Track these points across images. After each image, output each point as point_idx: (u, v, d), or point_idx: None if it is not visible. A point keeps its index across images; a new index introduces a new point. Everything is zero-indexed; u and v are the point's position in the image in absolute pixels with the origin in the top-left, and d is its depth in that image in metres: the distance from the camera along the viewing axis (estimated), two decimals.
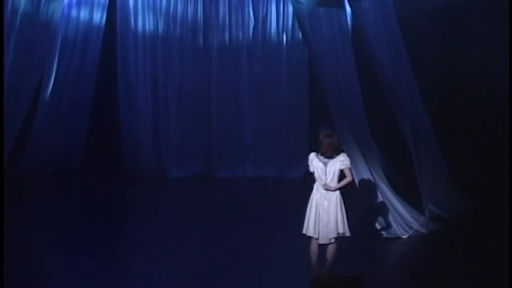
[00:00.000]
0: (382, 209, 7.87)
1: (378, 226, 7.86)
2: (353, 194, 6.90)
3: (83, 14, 11.85)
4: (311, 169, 5.93)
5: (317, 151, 5.90)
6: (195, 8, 12.58)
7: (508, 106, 8.80)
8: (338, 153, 5.86)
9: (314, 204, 5.86)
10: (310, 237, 5.96)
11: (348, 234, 5.91)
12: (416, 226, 8.05)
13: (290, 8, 12.12)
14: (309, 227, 5.86)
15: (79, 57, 11.92)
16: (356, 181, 7.81)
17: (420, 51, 10.37)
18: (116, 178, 11.58)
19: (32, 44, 9.92)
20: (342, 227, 5.84)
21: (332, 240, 5.88)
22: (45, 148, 11.61)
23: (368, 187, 7.86)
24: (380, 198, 7.92)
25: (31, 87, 10.30)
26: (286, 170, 12.43)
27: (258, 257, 7.12)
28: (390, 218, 7.88)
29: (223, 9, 12.61)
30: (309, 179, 6.06)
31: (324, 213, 5.80)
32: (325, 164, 5.83)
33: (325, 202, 5.80)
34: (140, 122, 12.37)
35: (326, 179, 5.81)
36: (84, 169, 11.86)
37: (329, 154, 5.81)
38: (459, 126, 10.40)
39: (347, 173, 5.87)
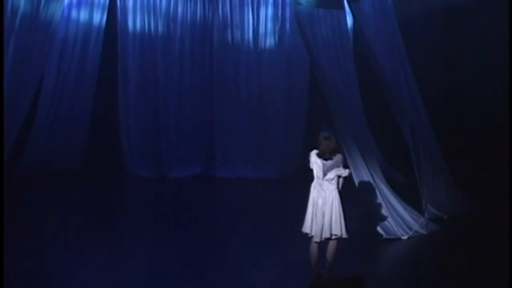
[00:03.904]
0: (382, 210, 7.88)
1: (378, 227, 7.86)
2: (352, 195, 6.92)
3: (83, 14, 11.85)
4: (311, 166, 6.02)
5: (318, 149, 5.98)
6: (195, 9, 12.58)
7: (508, 107, 8.81)
8: (335, 154, 5.91)
9: (311, 201, 5.97)
10: (309, 238, 6.00)
11: (344, 236, 5.94)
12: (416, 227, 8.06)
13: (290, 9, 12.13)
14: (306, 224, 5.96)
15: (79, 57, 11.92)
16: (356, 182, 7.83)
17: (420, 52, 10.38)
18: (117, 178, 11.58)
19: (32, 45, 9.92)
20: (336, 229, 5.87)
21: (323, 239, 5.92)
22: (46, 149, 11.60)
23: (368, 188, 7.87)
24: (380, 199, 7.93)
25: (31, 87, 10.30)
26: (286, 170, 12.43)
27: (258, 257, 7.13)
28: (390, 219, 7.89)
29: (223, 9, 12.62)
30: (311, 179, 6.08)
31: (318, 211, 5.89)
32: (324, 164, 5.91)
33: (320, 200, 5.91)
34: (141, 122, 12.37)
35: (323, 178, 5.89)
36: (84, 169, 11.86)
37: (326, 156, 5.91)
38: (459, 127, 10.40)
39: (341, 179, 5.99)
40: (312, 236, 5.99)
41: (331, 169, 5.92)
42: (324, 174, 5.92)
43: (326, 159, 5.90)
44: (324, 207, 5.88)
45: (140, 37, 12.32)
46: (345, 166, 6.20)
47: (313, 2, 8.40)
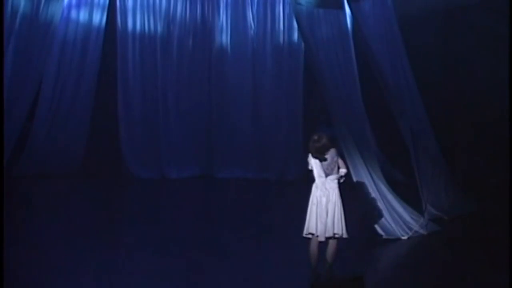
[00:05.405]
0: (381, 210, 7.87)
1: (377, 227, 7.86)
2: (352, 195, 6.92)
3: (83, 15, 11.87)
4: (309, 167, 6.04)
5: None
6: (194, 10, 12.60)
7: (508, 107, 8.81)
8: (327, 152, 5.93)
9: (314, 201, 5.97)
10: (309, 238, 6.00)
11: (345, 235, 5.95)
12: (416, 227, 8.05)
13: (289, 9, 12.15)
14: (311, 225, 5.95)
15: (79, 58, 11.94)
16: (355, 183, 7.83)
17: (420, 52, 10.37)
18: (116, 180, 11.58)
19: (32, 46, 9.93)
20: (338, 228, 5.89)
21: (324, 239, 5.93)
22: (45, 149, 11.62)
23: (368, 188, 7.87)
24: (379, 200, 7.93)
25: (31, 88, 10.32)
26: (286, 171, 12.43)
27: (258, 258, 7.12)
28: (390, 219, 7.89)
29: (222, 10, 12.63)
30: (310, 180, 6.09)
31: (322, 211, 5.90)
32: (323, 164, 5.94)
33: (324, 199, 5.92)
34: (140, 123, 12.38)
35: (326, 176, 5.92)
36: (84, 170, 11.86)
37: (319, 157, 5.93)
38: (459, 127, 10.40)
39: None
40: (311, 237, 5.99)
41: (330, 166, 5.96)
42: (325, 173, 5.94)
43: (321, 160, 5.95)
44: (327, 205, 5.91)
45: (139, 37, 12.34)
46: (342, 158, 6.24)
47: (313, 2, 8.39)
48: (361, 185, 7.87)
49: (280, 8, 12.72)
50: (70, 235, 7.91)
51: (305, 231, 6.00)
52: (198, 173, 12.52)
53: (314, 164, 6.00)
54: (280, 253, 7.28)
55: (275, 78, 12.71)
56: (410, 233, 7.95)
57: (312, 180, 6.05)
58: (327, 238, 5.94)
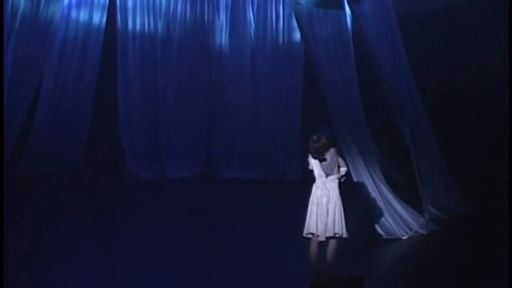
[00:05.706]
0: (381, 210, 7.88)
1: (378, 227, 7.87)
2: (352, 195, 6.93)
3: (83, 15, 11.86)
4: (310, 167, 6.06)
5: None
6: (194, 9, 12.59)
7: (508, 107, 8.81)
8: (327, 152, 5.95)
9: (315, 201, 5.99)
10: (309, 238, 6.01)
11: (345, 235, 5.96)
12: (416, 227, 8.06)
13: (289, 9, 12.15)
14: (311, 224, 5.96)
15: (79, 58, 11.92)
16: (355, 183, 7.84)
17: (419, 52, 10.37)
18: (117, 179, 11.58)
19: (32, 45, 9.92)
20: (338, 228, 5.90)
21: (324, 238, 5.94)
22: (46, 149, 11.61)
23: (368, 188, 7.87)
24: (379, 199, 7.93)
25: (31, 88, 10.29)
26: (287, 171, 12.42)
27: (258, 258, 7.13)
28: (390, 219, 7.90)
29: (222, 10, 12.62)
30: (310, 180, 6.09)
31: (323, 210, 5.92)
32: (322, 164, 5.96)
33: (324, 199, 5.94)
34: (141, 123, 12.38)
35: (326, 176, 5.92)
36: (84, 169, 11.87)
37: (319, 157, 5.94)
38: (458, 127, 10.40)
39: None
40: (311, 237, 5.99)
41: (330, 166, 5.97)
42: (326, 173, 5.95)
43: (321, 160, 5.96)
44: (328, 205, 5.93)
45: (139, 37, 12.33)
46: (342, 157, 6.25)
47: (313, 2, 8.40)
48: (361, 185, 7.87)
49: (280, 8, 12.72)
50: (71, 234, 7.92)
51: (305, 231, 6.02)
52: (198, 172, 12.52)
53: (314, 164, 6.02)
54: (280, 252, 7.28)
55: (275, 78, 12.70)
56: (410, 233, 7.96)
57: (312, 180, 6.07)
58: (328, 238, 5.95)
